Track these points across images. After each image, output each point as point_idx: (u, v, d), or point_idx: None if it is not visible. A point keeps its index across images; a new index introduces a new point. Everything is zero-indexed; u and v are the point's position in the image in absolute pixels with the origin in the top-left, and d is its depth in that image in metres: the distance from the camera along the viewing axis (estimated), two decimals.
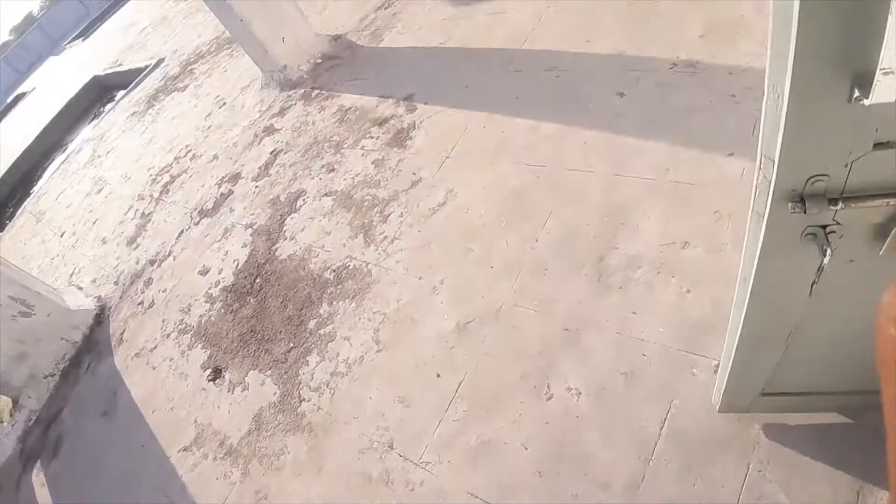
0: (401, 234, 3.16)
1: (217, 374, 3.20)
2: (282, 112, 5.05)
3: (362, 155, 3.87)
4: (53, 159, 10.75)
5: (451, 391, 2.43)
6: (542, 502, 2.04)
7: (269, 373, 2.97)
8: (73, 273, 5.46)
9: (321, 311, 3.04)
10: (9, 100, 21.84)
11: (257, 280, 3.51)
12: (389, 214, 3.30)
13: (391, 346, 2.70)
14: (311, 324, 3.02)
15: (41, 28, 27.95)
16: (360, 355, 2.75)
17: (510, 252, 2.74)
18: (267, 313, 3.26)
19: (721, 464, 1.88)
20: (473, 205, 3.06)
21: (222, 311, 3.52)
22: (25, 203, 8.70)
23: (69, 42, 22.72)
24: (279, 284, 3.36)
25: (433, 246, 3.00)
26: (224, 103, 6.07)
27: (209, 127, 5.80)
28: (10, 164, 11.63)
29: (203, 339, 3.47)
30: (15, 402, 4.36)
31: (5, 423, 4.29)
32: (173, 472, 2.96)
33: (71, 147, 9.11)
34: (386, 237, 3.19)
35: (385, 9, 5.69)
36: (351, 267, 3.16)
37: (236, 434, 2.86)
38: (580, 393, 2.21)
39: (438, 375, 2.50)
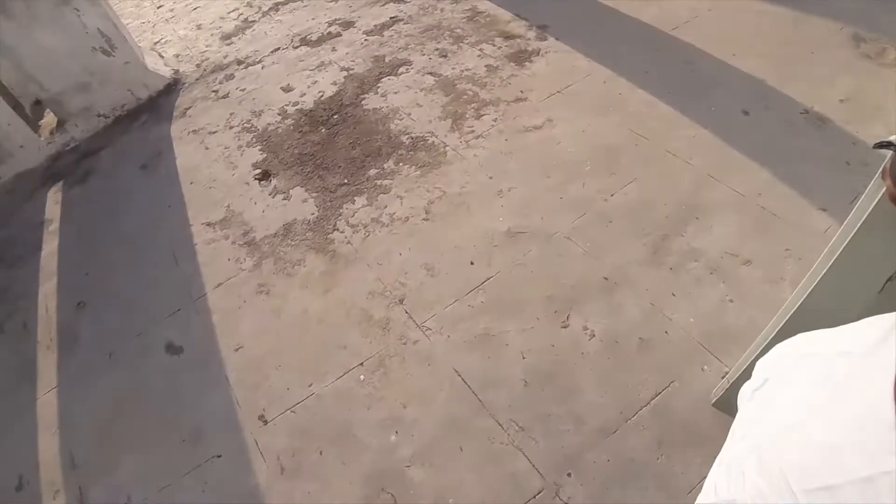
0: (488, 134, 3.18)
1: (265, 176, 3.26)
2: None
3: (478, 56, 3.86)
4: None
5: (477, 281, 2.48)
6: (516, 406, 2.10)
7: (314, 195, 3.03)
8: (158, 42, 5.50)
9: (385, 166, 3.08)
10: None
11: (335, 116, 3.55)
12: (484, 115, 3.32)
13: (438, 220, 2.74)
14: (372, 172, 3.06)
15: None
16: (406, 215, 2.79)
17: (584, 193, 2.77)
18: (333, 147, 3.30)
19: (691, 453, 1.94)
20: (567, 141, 3.07)
21: (291, 128, 3.57)
22: None
23: None
24: (355, 128, 3.40)
25: (514, 157, 3.02)
26: None
27: None
28: None
29: (263, 143, 3.52)
30: (60, 124, 4.44)
31: (42, 138, 4.38)
32: (190, 238, 3.05)
33: None
34: (473, 131, 3.21)
35: None
36: (429, 142, 3.19)
37: (262, 231, 2.93)
38: (594, 335, 2.26)
39: (472, 263, 2.55)
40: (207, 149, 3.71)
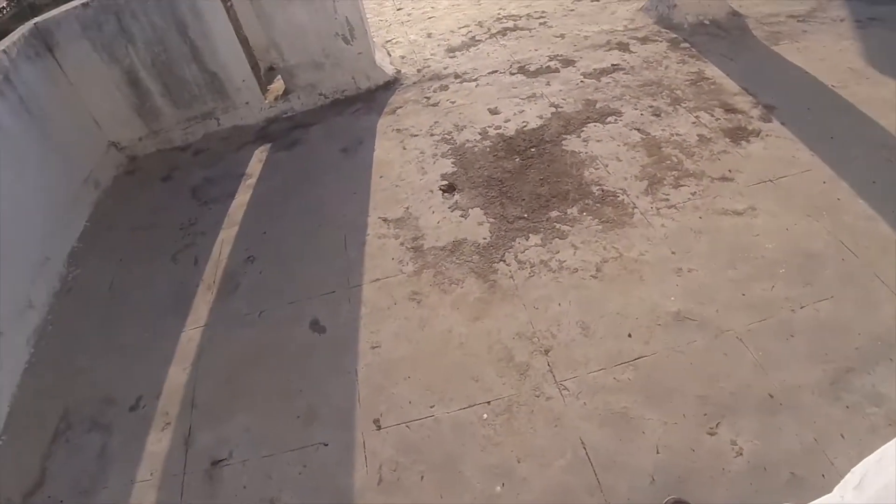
0: (682, 207, 3.04)
1: (450, 189, 3.39)
2: (644, 40, 4.94)
3: (693, 123, 3.71)
4: None
5: (630, 355, 2.39)
6: (634, 500, 1.99)
7: (491, 220, 3.10)
8: (389, 41, 5.93)
9: (568, 211, 3.07)
10: None
11: (532, 149, 3.60)
12: (683, 185, 3.18)
13: (607, 281, 2.68)
14: (553, 213, 3.06)
15: None
16: (576, 266, 2.76)
17: (770, 296, 2.55)
18: (523, 179, 3.35)
19: None
20: (766, 235, 2.85)
21: (487, 150, 3.68)
22: None
23: None
24: (548, 166, 3.42)
25: (703, 238, 2.87)
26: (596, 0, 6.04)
27: (572, 10, 5.83)
28: None
29: (457, 157, 3.67)
30: (285, 93, 4.93)
31: (267, 101, 4.90)
32: (364, 227, 3.28)
33: None
34: (667, 199, 3.09)
35: (798, 21, 5.23)
36: (619, 199, 3.12)
37: (432, 241, 3.06)
38: (741, 454, 2.08)
39: (630, 335, 2.46)
40: (405, 149, 3.93)
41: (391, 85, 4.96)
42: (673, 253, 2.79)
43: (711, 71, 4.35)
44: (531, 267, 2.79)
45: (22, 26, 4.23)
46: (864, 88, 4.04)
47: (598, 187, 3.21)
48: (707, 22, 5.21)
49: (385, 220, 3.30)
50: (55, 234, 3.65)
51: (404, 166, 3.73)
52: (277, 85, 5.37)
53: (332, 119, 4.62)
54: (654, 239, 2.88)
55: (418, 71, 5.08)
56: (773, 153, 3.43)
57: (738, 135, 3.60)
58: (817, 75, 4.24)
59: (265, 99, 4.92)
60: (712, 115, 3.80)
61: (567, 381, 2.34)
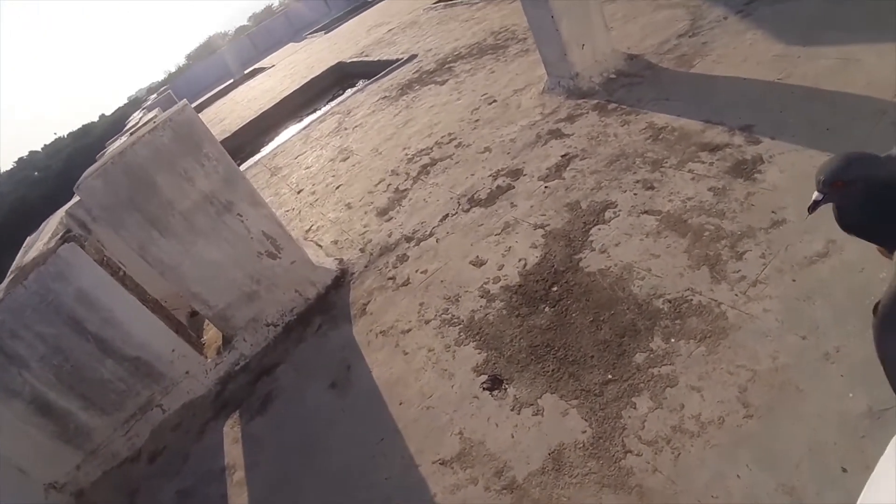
0: (766, 277, 2.50)
1: (496, 384, 2.71)
2: (571, 118, 4.62)
3: (692, 179, 3.28)
4: (287, 126, 11.35)
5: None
6: None
7: (573, 402, 2.42)
8: (309, 229, 5.39)
9: (653, 346, 2.45)
10: (246, 71, 24.16)
11: (554, 288, 3.01)
12: (745, 252, 2.66)
13: (768, 416, 2.03)
14: (639, 358, 2.43)
15: (286, 16, 30.84)
16: (718, 415, 2.11)
17: None
18: (570, 330, 2.73)
19: None
20: (870, 263, 2.33)
21: (504, 312, 3.06)
22: (258, 157, 9.11)
23: (311, 33, 24.62)
24: (587, 301, 2.83)
25: (817, 301, 2.31)
26: (494, 101, 5.79)
27: (477, 120, 5.54)
28: (244, 122, 12.52)
29: (477, 338, 3.01)
30: (226, 342, 4.19)
31: (209, 360, 4.12)
32: (421, 483, 2.49)
33: (312, 117, 9.44)
34: (744, 277, 2.55)
35: (690, 37, 5.13)
36: (694, 302, 2.55)
37: (522, 467, 2.32)
38: None
39: (844, 470, 1.80)
40: (406, 354, 3.24)
41: (341, 280, 4.34)
42: (804, 338, 2.21)
43: (660, 119, 4.02)
44: (667, 442, 2.12)
45: None
46: (807, 67, 3.82)
47: (661, 300, 2.63)
48: (613, 75, 5.01)
49: (443, 462, 2.54)
50: None
51: (420, 377, 3.03)
52: (212, 334, 4.64)
53: (297, 350, 3.86)
54: (770, 332, 2.30)
55: (362, 251, 4.51)
56: (792, 172, 3.01)
57: (744, 170, 3.18)
58: (754, 76, 4.01)
59: (206, 358, 4.16)
60: (702, 162, 3.39)
61: None
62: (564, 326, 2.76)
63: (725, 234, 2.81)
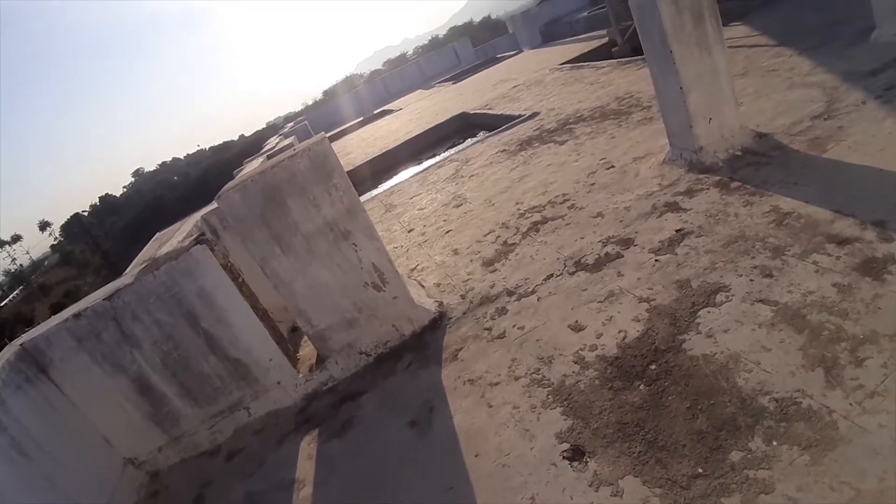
0: (885, 390, 2.31)
1: (577, 455, 2.65)
2: (689, 193, 4.52)
3: (816, 271, 3.11)
4: (407, 167, 11.81)
5: None
6: None
7: (657, 491, 2.32)
8: (414, 269, 5.53)
9: (752, 446, 2.32)
10: (376, 111, 25.43)
11: (652, 367, 2.93)
12: (866, 359, 2.48)
13: None
14: (735, 456, 2.31)
15: (418, 65, 32.27)
16: None
17: None
18: (664, 412, 2.64)
19: None
20: None
21: (597, 382, 3.00)
22: (375, 192, 9.51)
23: (439, 82, 25.64)
24: (686, 385, 2.73)
25: None
26: (612, 166, 5.77)
27: (592, 184, 5.53)
28: (368, 158, 13.17)
29: (565, 404, 2.97)
30: (320, 361, 4.34)
31: (301, 375, 4.28)
32: None
33: (431, 161, 9.78)
34: (861, 386, 2.37)
35: (825, 119, 4.90)
36: (803, 406, 2.39)
37: None
38: None
39: None
40: (491, 406, 3.24)
41: (438, 322, 4.41)
42: None
43: (786, 203, 3.85)
44: None
45: (6, 349, 3.79)
46: None
47: (767, 397, 2.49)
48: (739, 153, 4.87)
49: None
50: None
51: (501, 433, 3.02)
52: (308, 351, 4.82)
53: (385, 382, 3.96)
54: (882, 450, 2.12)
55: (462, 297, 4.58)
56: None
57: (873, 269, 2.98)
58: (892, 168, 3.76)
59: (298, 373, 4.34)
60: (829, 255, 3.21)
61: None
62: (658, 408, 2.67)
63: (846, 337, 2.63)
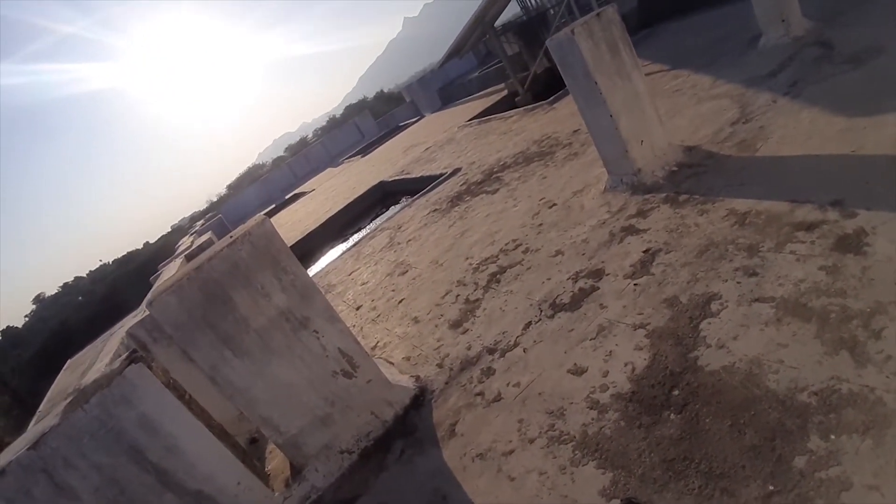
0: None
1: None
2: (642, 214, 4.57)
3: (797, 260, 3.13)
4: (334, 245, 11.58)
5: None
6: None
7: None
8: (375, 346, 5.26)
9: (811, 447, 2.21)
10: (287, 196, 25.19)
11: (675, 392, 2.81)
12: (881, 329, 2.46)
13: None
14: (799, 462, 2.19)
15: (322, 145, 32.41)
16: None
17: None
18: (708, 437, 2.50)
19: None
20: None
21: (622, 424, 2.84)
22: (310, 274, 9.20)
23: (347, 158, 25.78)
24: (718, 402, 2.61)
25: None
26: (554, 204, 5.81)
27: (540, 225, 5.52)
28: (290, 243, 12.85)
29: (597, 455, 2.77)
30: (294, 472, 3.92)
31: (277, 494, 3.84)
32: None
33: (361, 234, 9.62)
34: (889, 357, 2.34)
35: (744, 123, 5.16)
36: (844, 391, 2.33)
37: None
38: None
39: None
40: (513, 479, 2.93)
41: (420, 399, 4.09)
42: None
43: (740, 204, 3.94)
44: None
45: None
46: (877, 136, 3.77)
47: (805, 392, 2.42)
48: (675, 168, 5.01)
49: None
50: None
51: None
52: (278, 462, 4.30)
53: (378, 480, 3.52)
54: None
55: (440, 366, 4.32)
56: None
57: (850, 245, 3.04)
58: (826, 152, 3.94)
59: (274, 492, 3.81)
60: (803, 242, 3.26)
61: None
62: (699, 434, 2.53)
63: (854, 314, 2.62)
